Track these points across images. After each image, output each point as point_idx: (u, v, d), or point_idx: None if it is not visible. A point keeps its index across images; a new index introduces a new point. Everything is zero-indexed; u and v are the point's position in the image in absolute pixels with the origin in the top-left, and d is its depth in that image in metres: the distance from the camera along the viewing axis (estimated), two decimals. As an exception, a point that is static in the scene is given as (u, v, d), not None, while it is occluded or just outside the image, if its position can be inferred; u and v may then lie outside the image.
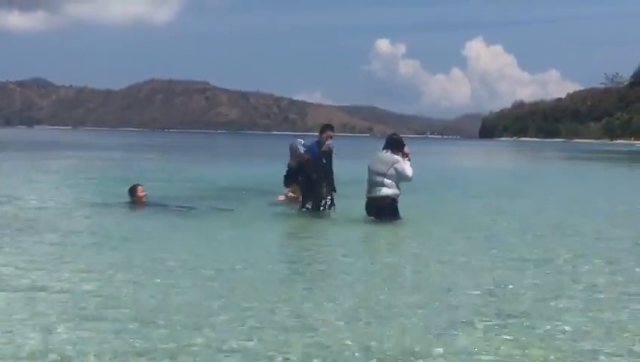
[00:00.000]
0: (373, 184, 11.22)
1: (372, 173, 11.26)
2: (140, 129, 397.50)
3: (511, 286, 6.70)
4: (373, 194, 11.22)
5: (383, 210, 11.15)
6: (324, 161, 12.43)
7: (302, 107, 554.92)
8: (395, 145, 11.43)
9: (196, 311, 5.61)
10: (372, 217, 11.21)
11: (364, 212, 11.41)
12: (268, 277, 7.00)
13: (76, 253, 8.08)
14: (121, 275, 6.90)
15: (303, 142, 12.79)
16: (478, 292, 6.39)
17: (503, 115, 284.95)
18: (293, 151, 12.79)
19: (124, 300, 5.93)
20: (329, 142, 12.21)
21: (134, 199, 12.24)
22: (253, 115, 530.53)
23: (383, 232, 10.48)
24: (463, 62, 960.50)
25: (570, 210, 14.29)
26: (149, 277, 6.83)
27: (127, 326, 5.18)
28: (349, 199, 12.96)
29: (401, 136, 12.04)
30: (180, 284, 6.54)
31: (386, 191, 11.14)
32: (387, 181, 11.12)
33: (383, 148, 11.41)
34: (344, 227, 10.92)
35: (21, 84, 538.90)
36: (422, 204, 13.74)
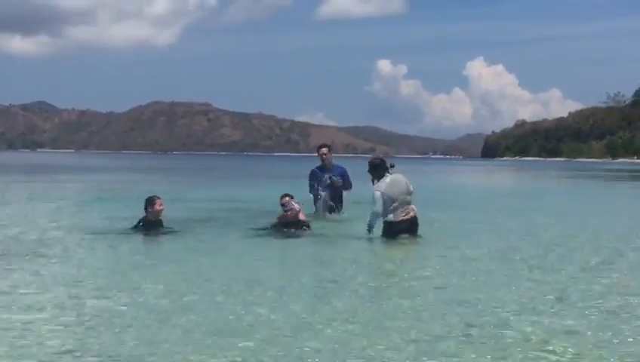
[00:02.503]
0: (405, 204, 11.25)
1: (400, 194, 11.24)
2: (143, 151, 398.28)
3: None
4: (408, 215, 11.27)
5: (415, 226, 11.37)
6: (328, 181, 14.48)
7: (304, 128, 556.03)
8: (388, 167, 11.59)
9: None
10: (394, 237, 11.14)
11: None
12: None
13: (85, 277, 8.02)
14: (135, 301, 6.86)
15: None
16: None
17: (504, 134, 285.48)
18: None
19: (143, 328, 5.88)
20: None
21: (151, 211, 11.83)
22: (255, 137, 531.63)
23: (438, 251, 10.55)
24: (464, 82, 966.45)
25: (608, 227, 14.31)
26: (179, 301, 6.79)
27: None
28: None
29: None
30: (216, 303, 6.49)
31: (414, 207, 11.40)
32: (411, 199, 11.40)
33: (385, 173, 11.40)
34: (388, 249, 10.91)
35: (24, 107, 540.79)
36: (443, 221, 13.87)
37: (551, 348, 5.36)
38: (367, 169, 11.60)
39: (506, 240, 12.01)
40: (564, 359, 5.13)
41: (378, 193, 11.17)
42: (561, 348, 5.34)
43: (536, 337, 5.64)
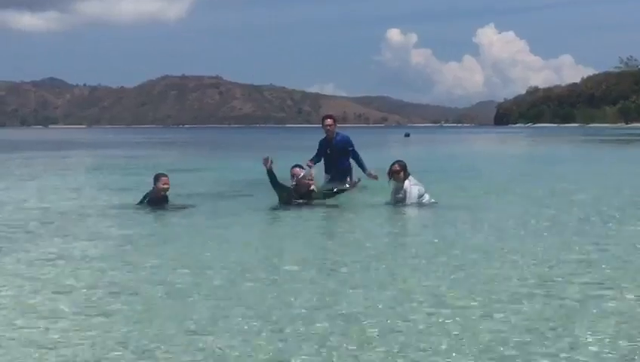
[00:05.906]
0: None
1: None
2: (155, 125, 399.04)
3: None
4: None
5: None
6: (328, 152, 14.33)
7: (315, 99, 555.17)
8: None
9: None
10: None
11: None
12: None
13: (96, 256, 7.77)
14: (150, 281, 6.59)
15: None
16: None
17: (517, 101, 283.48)
18: None
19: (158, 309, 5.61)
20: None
21: (156, 187, 11.52)
22: (267, 109, 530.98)
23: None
24: (475, 50, 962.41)
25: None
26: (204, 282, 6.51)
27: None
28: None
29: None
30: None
31: None
32: None
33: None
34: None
35: (35, 84, 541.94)
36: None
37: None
38: (395, 171, 11.70)
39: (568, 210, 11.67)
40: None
41: (417, 188, 11.67)
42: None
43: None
